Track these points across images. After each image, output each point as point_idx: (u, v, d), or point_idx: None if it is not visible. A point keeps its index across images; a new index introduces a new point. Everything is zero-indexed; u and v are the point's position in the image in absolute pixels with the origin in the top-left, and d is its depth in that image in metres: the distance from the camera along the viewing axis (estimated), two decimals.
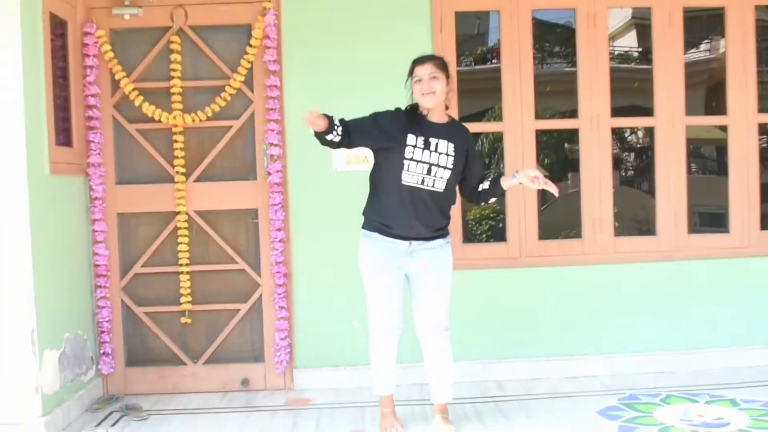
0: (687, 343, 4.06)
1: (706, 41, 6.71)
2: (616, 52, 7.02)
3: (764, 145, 6.00)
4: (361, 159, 3.80)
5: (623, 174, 7.15)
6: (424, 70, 3.03)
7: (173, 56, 3.86)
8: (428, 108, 3.05)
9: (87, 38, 3.80)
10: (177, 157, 3.89)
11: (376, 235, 3.10)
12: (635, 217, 5.86)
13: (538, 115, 4.09)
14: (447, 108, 3.15)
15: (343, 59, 3.89)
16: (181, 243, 3.90)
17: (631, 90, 5.52)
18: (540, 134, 4.16)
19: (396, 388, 3.32)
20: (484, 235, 5.97)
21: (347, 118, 2.97)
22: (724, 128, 4.25)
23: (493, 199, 3.22)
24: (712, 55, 6.65)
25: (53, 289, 3.41)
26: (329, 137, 2.89)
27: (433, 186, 3.03)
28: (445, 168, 3.03)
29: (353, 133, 2.94)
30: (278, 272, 3.88)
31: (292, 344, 3.95)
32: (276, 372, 3.94)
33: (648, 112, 4.18)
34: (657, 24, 4.06)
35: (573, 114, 4.16)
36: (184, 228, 3.90)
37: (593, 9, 4.00)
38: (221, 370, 3.97)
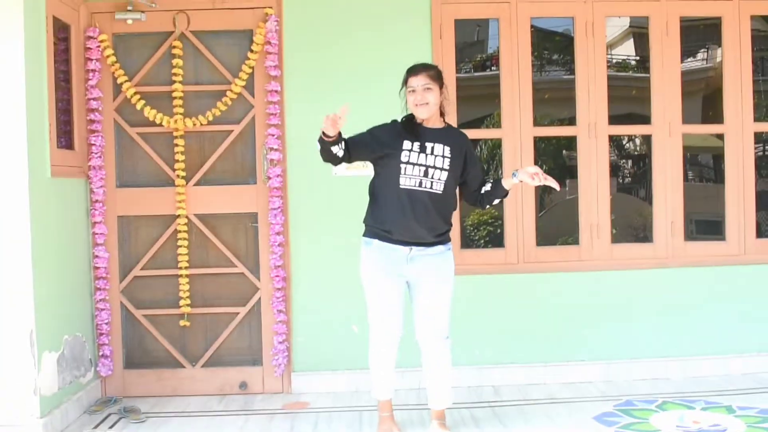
0: (683, 349, 4.07)
1: (702, 50, 6.73)
2: (614, 61, 7.02)
3: (760, 153, 6.03)
4: (361, 164, 3.82)
5: (620, 181, 7.16)
6: (418, 81, 3.06)
7: (175, 61, 3.88)
8: (422, 119, 3.09)
9: (90, 42, 3.83)
10: (177, 161, 3.91)
11: (376, 242, 3.11)
12: (632, 224, 5.86)
13: (537, 122, 4.12)
14: (442, 114, 3.17)
15: (343, 65, 3.92)
16: (180, 246, 3.92)
17: (629, 98, 5.53)
18: (538, 141, 4.24)
19: (394, 393, 3.32)
20: (482, 241, 5.97)
21: (346, 127, 2.99)
22: (720, 137, 4.28)
23: (497, 201, 3.23)
24: (709, 64, 6.66)
25: (53, 291, 3.42)
26: (334, 149, 2.95)
27: (431, 188, 3.05)
28: (441, 169, 3.06)
29: (352, 148, 3.02)
30: (277, 276, 3.90)
31: (291, 348, 3.96)
32: (274, 375, 3.95)
33: (645, 120, 4.21)
34: (654, 33, 4.09)
35: (571, 121, 4.18)
36: (184, 231, 3.92)
37: (591, 18, 4.04)
38: (219, 373, 3.97)
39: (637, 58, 7.09)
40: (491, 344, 4.00)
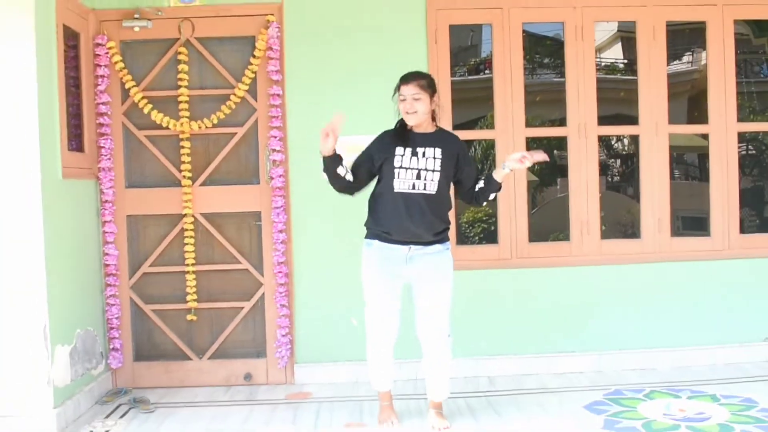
0: (669, 341, 4.13)
1: (688, 53, 6.70)
2: (603, 64, 7.03)
3: (743, 152, 6.10)
4: None
5: (609, 179, 7.14)
6: (408, 90, 3.11)
7: (180, 66, 3.94)
8: (411, 126, 3.18)
9: (98, 49, 3.88)
10: (184, 162, 3.97)
11: (376, 242, 3.19)
12: (621, 221, 5.89)
13: (529, 123, 4.14)
14: (434, 119, 3.23)
15: (342, 69, 3.97)
16: (187, 244, 3.98)
17: (617, 100, 5.54)
18: (530, 141, 4.23)
19: (393, 383, 3.38)
20: (476, 237, 6.02)
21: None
22: (705, 136, 4.31)
23: (492, 196, 3.23)
24: (694, 66, 6.66)
25: (65, 288, 3.47)
26: (340, 171, 3.09)
27: (424, 189, 3.13)
28: (433, 171, 3.13)
29: (355, 171, 3.16)
30: (280, 272, 3.96)
31: (293, 340, 4.02)
32: (277, 367, 4.02)
33: (633, 120, 4.23)
34: (641, 37, 4.14)
35: (562, 122, 4.21)
36: (191, 230, 3.98)
37: (581, 22, 4.09)
38: (225, 365, 4.03)
39: (625, 61, 7.13)
40: (486, 336, 4.06)
